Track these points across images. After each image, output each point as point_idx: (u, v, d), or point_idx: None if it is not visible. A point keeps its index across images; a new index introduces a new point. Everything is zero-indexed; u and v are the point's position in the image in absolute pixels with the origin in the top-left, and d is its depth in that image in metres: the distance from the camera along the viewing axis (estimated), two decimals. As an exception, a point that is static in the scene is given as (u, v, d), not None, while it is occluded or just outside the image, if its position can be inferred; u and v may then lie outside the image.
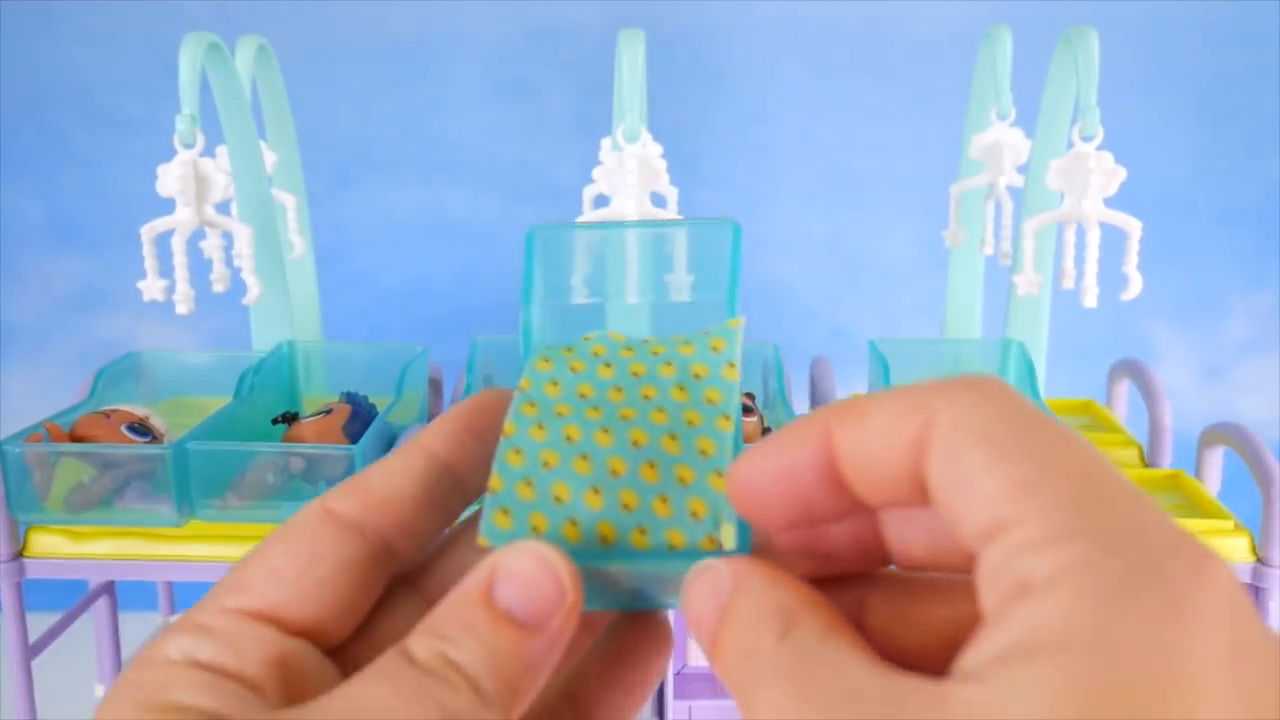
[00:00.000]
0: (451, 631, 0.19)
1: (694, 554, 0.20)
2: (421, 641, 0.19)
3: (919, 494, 0.18)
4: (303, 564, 0.21)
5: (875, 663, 0.16)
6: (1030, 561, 0.15)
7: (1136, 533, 0.15)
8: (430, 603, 0.23)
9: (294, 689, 0.20)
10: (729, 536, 0.21)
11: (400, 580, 0.23)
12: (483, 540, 0.21)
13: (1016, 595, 0.15)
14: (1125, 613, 0.14)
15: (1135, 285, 0.59)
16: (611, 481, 0.21)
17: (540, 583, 0.19)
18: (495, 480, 0.21)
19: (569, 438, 0.22)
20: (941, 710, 0.15)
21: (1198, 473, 0.65)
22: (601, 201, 0.64)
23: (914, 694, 0.15)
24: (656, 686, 0.24)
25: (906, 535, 0.20)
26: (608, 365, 0.23)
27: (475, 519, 0.23)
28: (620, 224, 0.25)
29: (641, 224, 0.26)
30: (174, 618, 0.88)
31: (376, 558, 0.22)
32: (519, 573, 0.19)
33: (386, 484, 0.22)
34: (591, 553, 0.21)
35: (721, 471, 0.21)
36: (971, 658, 0.15)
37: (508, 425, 0.22)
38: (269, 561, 0.21)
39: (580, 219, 0.63)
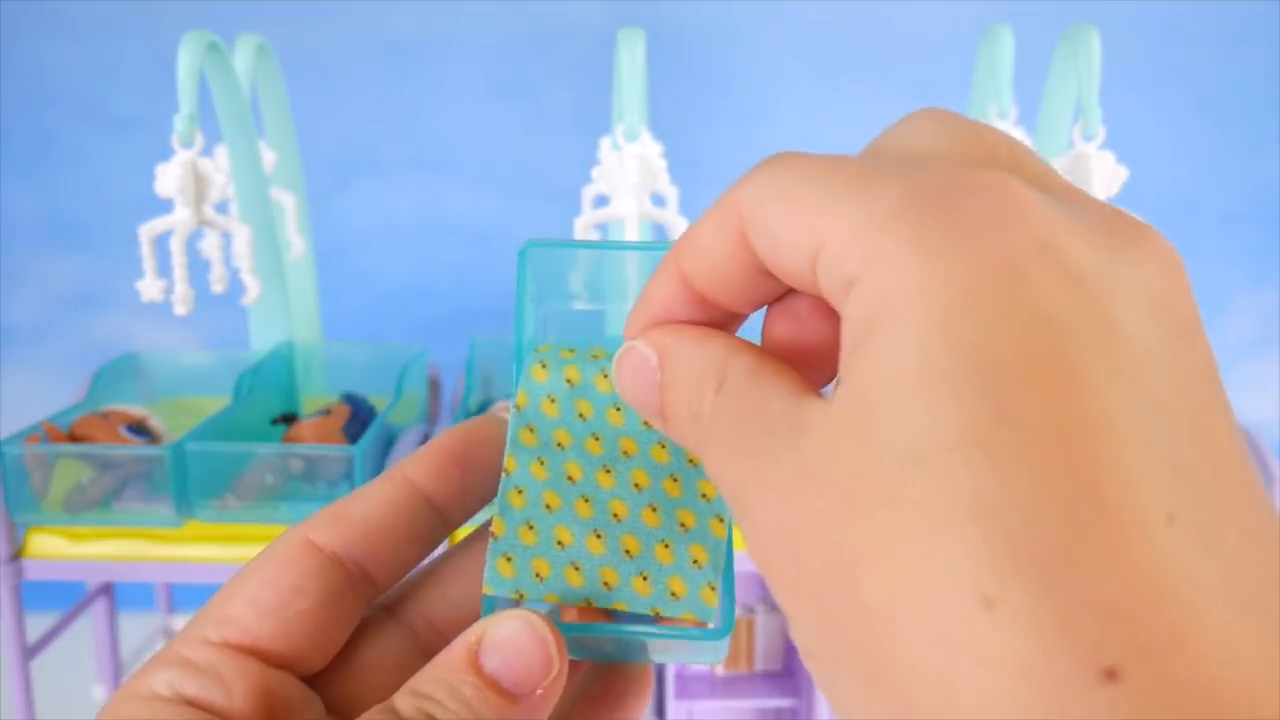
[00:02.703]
0: (437, 693, 0.19)
1: (680, 629, 0.20)
2: (408, 700, 0.19)
3: (773, 285, 0.18)
4: (286, 596, 0.21)
5: (791, 389, 0.17)
6: (844, 265, 0.15)
7: (918, 188, 0.15)
8: (410, 630, 0.23)
9: None
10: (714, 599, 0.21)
11: (379, 606, 0.23)
12: (487, 588, 0.21)
13: (845, 294, 0.15)
14: (930, 253, 0.14)
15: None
16: (613, 526, 0.21)
17: (528, 651, 0.20)
18: (498, 524, 0.21)
19: (570, 477, 0.22)
20: (829, 412, 0.15)
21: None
22: (601, 201, 0.64)
23: (812, 410, 0.16)
24: None
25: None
26: (604, 375, 0.22)
27: (457, 548, 0.24)
28: (618, 244, 0.25)
29: (640, 245, 0.25)
30: (173, 619, 0.88)
31: (356, 588, 0.22)
32: (507, 640, 0.20)
33: (367, 515, 0.22)
34: (580, 625, 0.21)
35: (723, 517, 0.21)
36: (840, 361, 0.16)
37: (508, 460, 0.22)
38: (251, 593, 0.21)
39: (580, 219, 0.63)
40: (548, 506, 0.21)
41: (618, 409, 0.22)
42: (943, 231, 0.14)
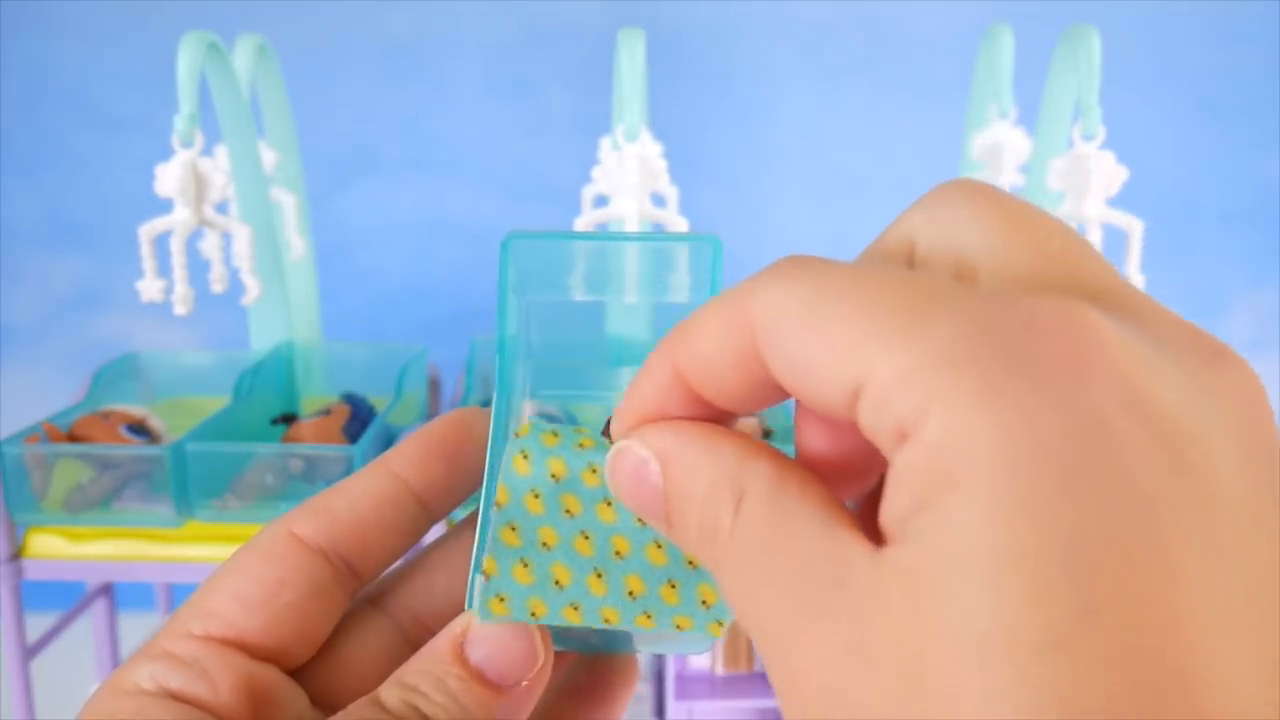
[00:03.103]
0: (423, 684, 0.19)
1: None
2: (393, 692, 0.19)
3: (778, 393, 0.17)
4: (270, 589, 0.21)
5: (821, 515, 0.15)
6: (895, 409, 0.14)
7: (978, 324, 0.13)
8: (395, 622, 0.23)
9: (263, 715, 0.20)
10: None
11: (363, 599, 0.23)
12: None
13: (899, 442, 0.14)
14: (1005, 408, 0.13)
15: (1137, 285, 0.58)
16: (605, 632, 0.20)
17: (512, 644, 0.20)
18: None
19: (558, 581, 0.20)
20: (881, 574, 0.14)
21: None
22: (601, 201, 0.64)
23: (858, 565, 0.14)
24: (625, 711, 0.24)
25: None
26: (593, 470, 0.20)
27: (441, 541, 0.24)
28: (602, 235, 0.24)
29: (624, 236, 0.25)
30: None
31: (340, 580, 0.22)
32: (492, 632, 0.20)
33: (351, 508, 0.22)
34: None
35: (722, 622, 0.20)
36: (890, 513, 0.14)
37: (488, 562, 0.20)
38: (235, 587, 0.21)
39: (579, 219, 0.63)
40: (533, 614, 0.20)
41: (609, 503, 0.20)
42: (1016, 383, 0.13)
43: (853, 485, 0.17)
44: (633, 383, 0.18)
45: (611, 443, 0.19)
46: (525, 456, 0.20)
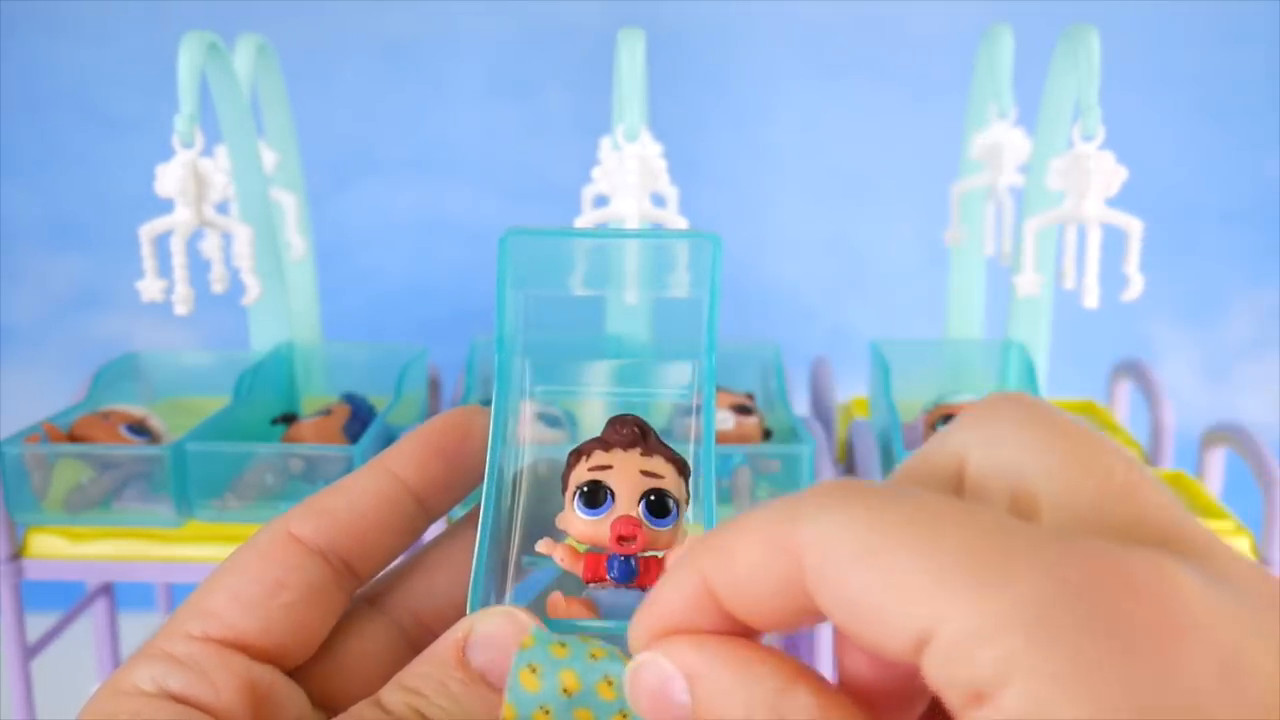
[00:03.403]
0: (425, 688, 0.19)
1: None
2: (395, 695, 0.19)
3: (819, 617, 0.16)
4: (269, 590, 0.21)
5: None
6: (972, 668, 0.13)
7: (1062, 579, 0.13)
8: (394, 622, 0.23)
9: (263, 716, 0.20)
10: None
11: (361, 599, 0.23)
12: None
13: (974, 702, 0.13)
14: (1097, 682, 0.12)
15: (1136, 285, 0.58)
16: None
17: (512, 647, 0.19)
18: None
19: None
20: None
21: (1199, 474, 0.65)
22: (601, 201, 0.64)
23: None
24: None
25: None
26: (609, 683, 0.19)
27: (439, 540, 0.24)
28: (601, 232, 0.24)
29: (623, 233, 0.25)
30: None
31: (339, 580, 0.22)
32: (493, 636, 0.20)
33: (349, 508, 0.22)
34: (567, 621, 0.20)
35: None
36: None
37: None
38: (233, 587, 0.21)
39: (579, 219, 0.63)
40: None
41: (624, 716, 0.19)
42: (1107, 653, 0.12)
43: (898, 717, 0.17)
44: (654, 591, 0.17)
45: (628, 654, 0.18)
46: (533, 670, 0.19)
